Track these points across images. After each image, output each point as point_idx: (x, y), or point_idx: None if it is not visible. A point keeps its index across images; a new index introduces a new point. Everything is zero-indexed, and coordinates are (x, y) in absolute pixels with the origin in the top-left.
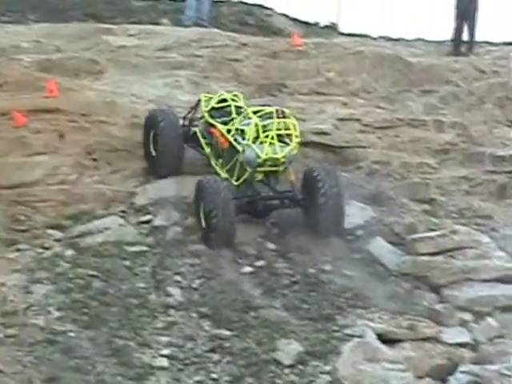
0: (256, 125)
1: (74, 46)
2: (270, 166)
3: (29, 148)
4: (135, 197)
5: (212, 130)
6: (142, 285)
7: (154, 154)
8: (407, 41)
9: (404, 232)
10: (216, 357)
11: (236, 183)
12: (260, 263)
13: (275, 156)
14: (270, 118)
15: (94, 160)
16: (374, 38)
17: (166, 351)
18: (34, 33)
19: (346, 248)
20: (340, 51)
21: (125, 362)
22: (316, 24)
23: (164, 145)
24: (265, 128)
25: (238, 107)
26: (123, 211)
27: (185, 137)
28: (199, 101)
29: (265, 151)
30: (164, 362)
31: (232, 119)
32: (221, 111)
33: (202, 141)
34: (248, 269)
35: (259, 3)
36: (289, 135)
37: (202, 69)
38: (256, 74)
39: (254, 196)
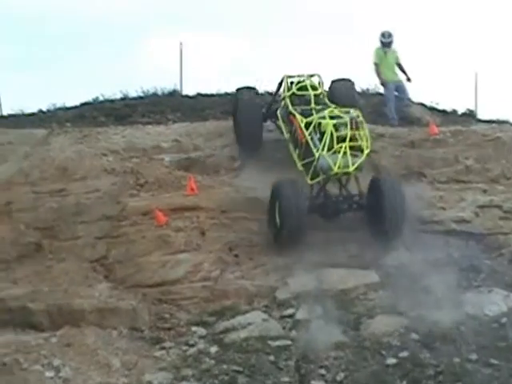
0: (331, 135)
1: (212, 143)
2: (342, 174)
3: (171, 246)
4: (277, 291)
5: (292, 118)
6: (286, 379)
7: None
8: None
9: None
10: None
11: (310, 182)
12: (404, 354)
13: (347, 170)
14: (345, 126)
15: (236, 256)
16: None
17: None
18: (173, 132)
19: (490, 336)
20: (478, 138)
21: None
22: (454, 112)
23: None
24: (339, 138)
25: (316, 95)
26: (266, 306)
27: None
28: (282, 80)
29: (337, 164)
30: None
31: (311, 109)
32: (301, 98)
33: (282, 125)
34: (392, 360)
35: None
36: (361, 146)
37: None
38: (394, 165)
39: (326, 199)
